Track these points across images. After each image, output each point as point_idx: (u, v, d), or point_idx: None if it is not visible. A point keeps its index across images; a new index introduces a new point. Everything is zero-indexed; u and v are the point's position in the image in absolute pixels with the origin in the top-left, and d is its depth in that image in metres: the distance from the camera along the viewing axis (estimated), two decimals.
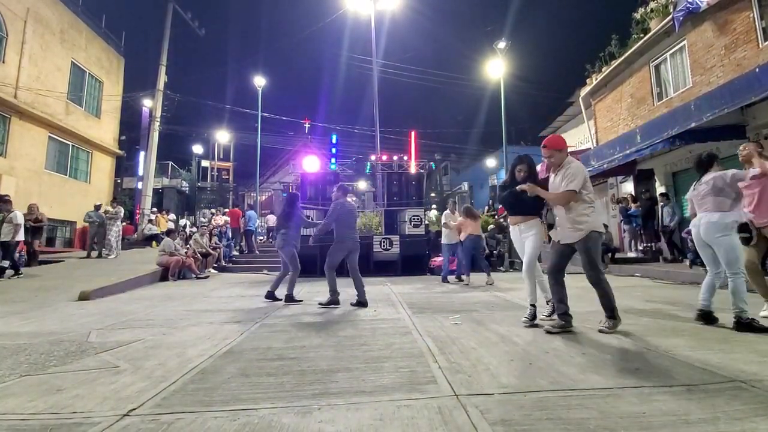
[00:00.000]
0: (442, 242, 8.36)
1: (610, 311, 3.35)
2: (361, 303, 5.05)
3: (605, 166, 10.33)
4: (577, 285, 6.45)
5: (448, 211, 8.47)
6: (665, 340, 3.08)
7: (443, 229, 8.24)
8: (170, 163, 30.43)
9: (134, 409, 1.96)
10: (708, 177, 3.54)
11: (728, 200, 3.41)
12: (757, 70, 6.32)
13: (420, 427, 1.71)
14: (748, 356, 2.62)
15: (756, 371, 2.31)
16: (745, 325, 3.27)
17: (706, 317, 3.57)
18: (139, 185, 18.74)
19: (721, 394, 1.99)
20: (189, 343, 3.27)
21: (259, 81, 22.50)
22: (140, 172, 19.83)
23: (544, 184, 3.62)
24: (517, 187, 3.56)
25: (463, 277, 7.74)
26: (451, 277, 8.08)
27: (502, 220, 12.20)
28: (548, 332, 3.31)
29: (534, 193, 3.47)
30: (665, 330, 3.44)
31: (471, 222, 7.74)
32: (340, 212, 5.21)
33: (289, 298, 5.43)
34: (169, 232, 10.11)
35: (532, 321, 3.64)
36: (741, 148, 4.04)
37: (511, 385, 2.18)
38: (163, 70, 16.90)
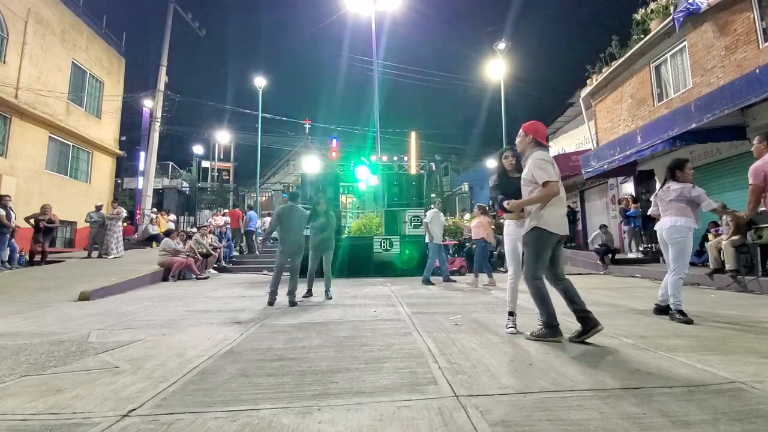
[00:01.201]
0: (427, 242, 8.16)
1: (545, 318, 3.16)
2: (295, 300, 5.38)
3: (605, 166, 10.32)
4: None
5: (435, 209, 8.27)
6: (666, 340, 3.08)
7: (431, 229, 8.01)
8: (171, 163, 30.48)
9: (134, 409, 1.96)
10: (676, 186, 4.01)
11: (689, 208, 3.94)
12: (757, 71, 6.31)
13: (420, 428, 1.71)
14: (749, 357, 2.62)
15: (756, 372, 2.31)
16: (679, 312, 3.81)
17: (663, 311, 4.07)
18: (140, 183, 18.74)
19: (722, 395, 1.98)
20: (189, 343, 3.27)
21: (260, 82, 22.51)
22: (141, 172, 19.84)
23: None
24: (503, 203, 3.34)
25: (477, 277, 7.54)
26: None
27: (501, 220, 12.16)
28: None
29: (516, 208, 3.27)
30: (666, 331, 3.44)
31: (486, 221, 7.70)
32: (282, 217, 5.52)
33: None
34: (168, 233, 10.08)
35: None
36: (756, 140, 3.97)
37: (512, 385, 2.18)
38: (163, 70, 16.89)
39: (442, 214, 8.48)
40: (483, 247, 7.60)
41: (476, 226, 7.78)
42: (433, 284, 7.71)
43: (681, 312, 3.78)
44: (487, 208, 8.20)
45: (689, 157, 9.53)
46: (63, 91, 14.00)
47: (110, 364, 2.74)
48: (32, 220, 9.77)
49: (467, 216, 13.12)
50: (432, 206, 8.52)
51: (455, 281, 8.06)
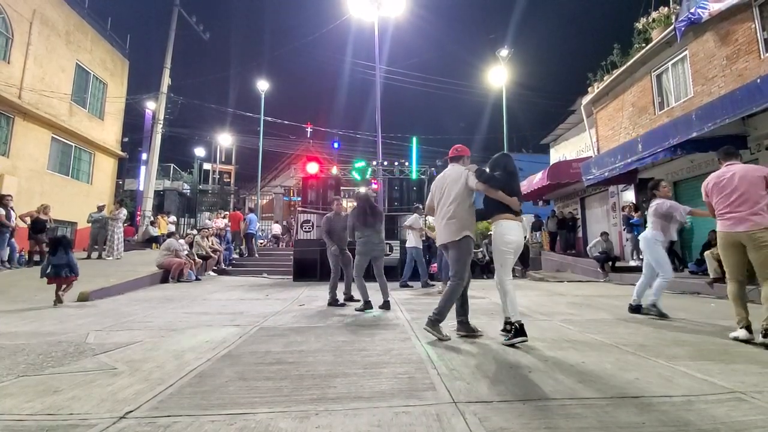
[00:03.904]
0: (407, 246, 8.27)
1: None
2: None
3: (606, 174, 10.33)
4: (576, 293, 6.41)
5: (416, 215, 8.47)
6: (666, 349, 3.07)
7: (414, 232, 8.22)
8: (172, 165, 30.57)
9: (131, 411, 1.95)
10: (653, 203, 4.68)
11: (662, 222, 4.59)
12: (758, 80, 6.33)
13: None
14: (749, 367, 2.60)
15: (756, 382, 2.30)
16: (653, 305, 4.57)
17: (635, 309, 4.73)
18: (141, 185, 18.75)
19: (722, 405, 1.97)
20: (187, 345, 3.27)
21: (262, 85, 22.63)
22: (142, 173, 19.90)
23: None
24: None
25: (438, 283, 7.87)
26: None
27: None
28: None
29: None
30: (665, 340, 3.42)
31: None
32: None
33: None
34: (170, 234, 10.07)
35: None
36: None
37: (511, 392, 2.17)
38: (167, 72, 16.97)
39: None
40: (441, 255, 8.05)
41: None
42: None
43: (655, 305, 4.52)
44: None
45: (690, 166, 9.63)
46: (66, 92, 14.05)
47: (108, 365, 2.74)
48: (28, 219, 9.73)
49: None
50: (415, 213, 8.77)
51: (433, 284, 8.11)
